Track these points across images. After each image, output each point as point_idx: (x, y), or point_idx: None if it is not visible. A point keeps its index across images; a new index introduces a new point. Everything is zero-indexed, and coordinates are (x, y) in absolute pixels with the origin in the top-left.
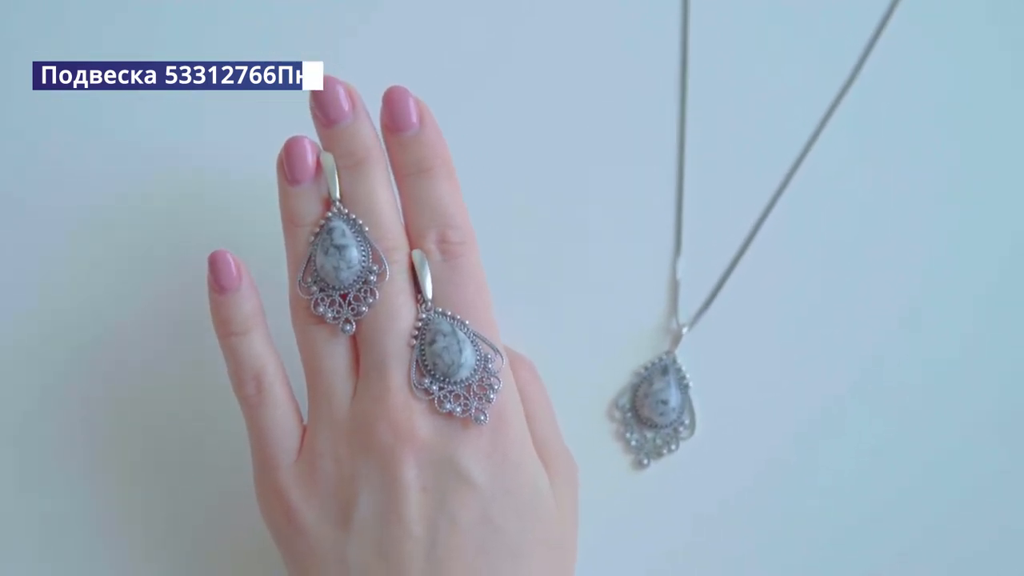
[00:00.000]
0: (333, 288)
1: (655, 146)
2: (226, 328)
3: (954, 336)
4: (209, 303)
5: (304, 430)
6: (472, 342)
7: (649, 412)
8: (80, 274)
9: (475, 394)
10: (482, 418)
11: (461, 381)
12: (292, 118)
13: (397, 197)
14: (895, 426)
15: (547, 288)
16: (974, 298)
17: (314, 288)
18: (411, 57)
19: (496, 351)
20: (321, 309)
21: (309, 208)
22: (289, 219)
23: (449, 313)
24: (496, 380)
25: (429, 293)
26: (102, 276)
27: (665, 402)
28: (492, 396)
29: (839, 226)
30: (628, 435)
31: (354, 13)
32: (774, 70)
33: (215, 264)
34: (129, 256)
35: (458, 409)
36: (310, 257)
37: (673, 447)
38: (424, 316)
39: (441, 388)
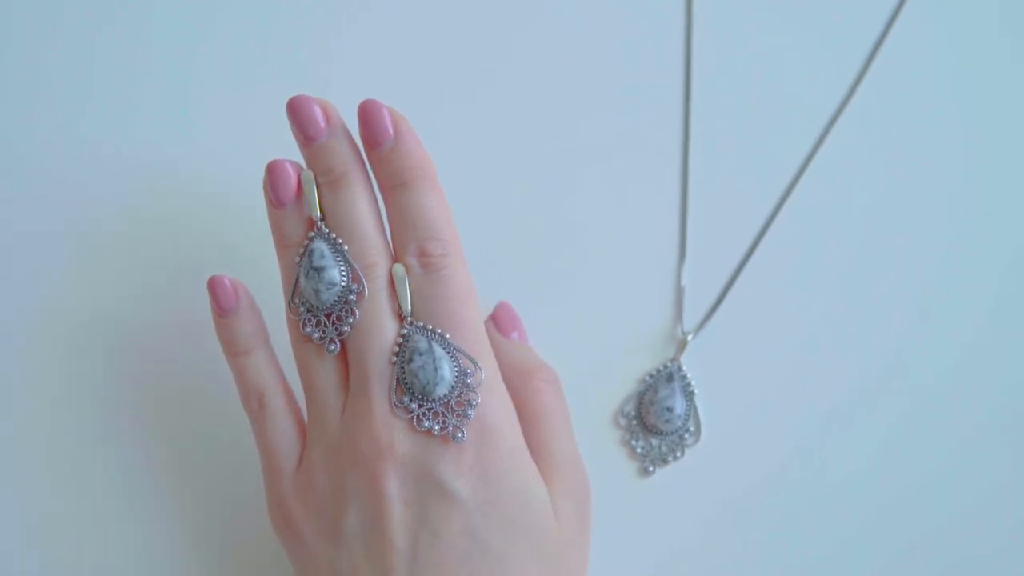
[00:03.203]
0: (317, 309)
1: (659, 152)
2: (230, 348)
3: (962, 343)
4: (213, 325)
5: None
6: (451, 356)
7: (654, 419)
8: (87, 286)
9: (453, 411)
10: (460, 435)
11: (439, 399)
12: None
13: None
14: (901, 433)
15: (552, 296)
16: (982, 305)
17: (302, 309)
18: (410, 61)
19: (476, 364)
20: (308, 329)
21: (295, 229)
22: (279, 240)
23: (429, 327)
24: (475, 395)
25: (408, 308)
26: (109, 287)
27: (670, 409)
28: (470, 412)
29: (844, 233)
30: (633, 442)
31: (347, 14)
32: (778, 75)
33: (213, 288)
34: (133, 268)
35: (436, 427)
36: (297, 278)
37: (678, 454)
38: (404, 332)
39: (420, 406)
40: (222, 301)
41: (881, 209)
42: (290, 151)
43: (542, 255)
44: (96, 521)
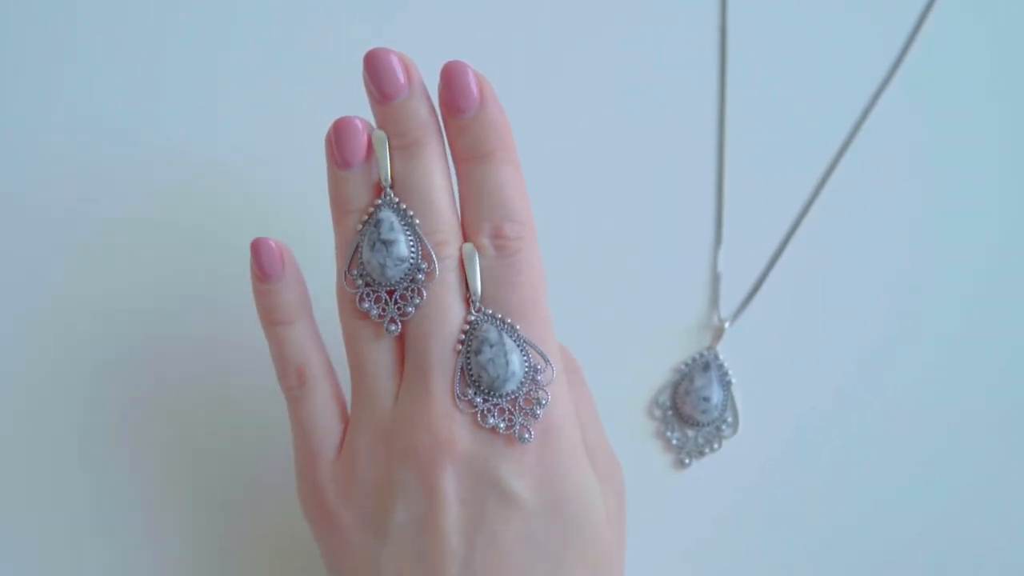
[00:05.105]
0: (379, 284)
1: (695, 138)
2: (270, 317)
3: (1009, 331)
4: (253, 291)
5: (347, 426)
6: (521, 350)
7: (690, 410)
8: (117, 266)
9: (521, 409)
10: (527, 436)
11: (507, 395)
12: (338, 98)
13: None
14: (947, 423)
15: (586, 283)
16: None
17: (360, 282)
18: (450, 47)
19: (547, 360)
20: (366, 305)
21: (359, 193)
22: (338, 204)
23: (499, 316)
24: (544, 394)
25: (478, 293)
26: (141, 265)
27: (707, 399)
28: (539, 411)
29: (883, 217)
30: (669, 434)
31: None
32: (816, 60)
33: (258, 251)
34: (169, 244)
35: (502, 425)
36: (357, 247)
37: (715, 446)
38: (472, 319)
39: (485, 401)
40: (266, 266)
41: (920, 195)
42: (314, 142)
43: (577, 242)
44: (101, 518)
